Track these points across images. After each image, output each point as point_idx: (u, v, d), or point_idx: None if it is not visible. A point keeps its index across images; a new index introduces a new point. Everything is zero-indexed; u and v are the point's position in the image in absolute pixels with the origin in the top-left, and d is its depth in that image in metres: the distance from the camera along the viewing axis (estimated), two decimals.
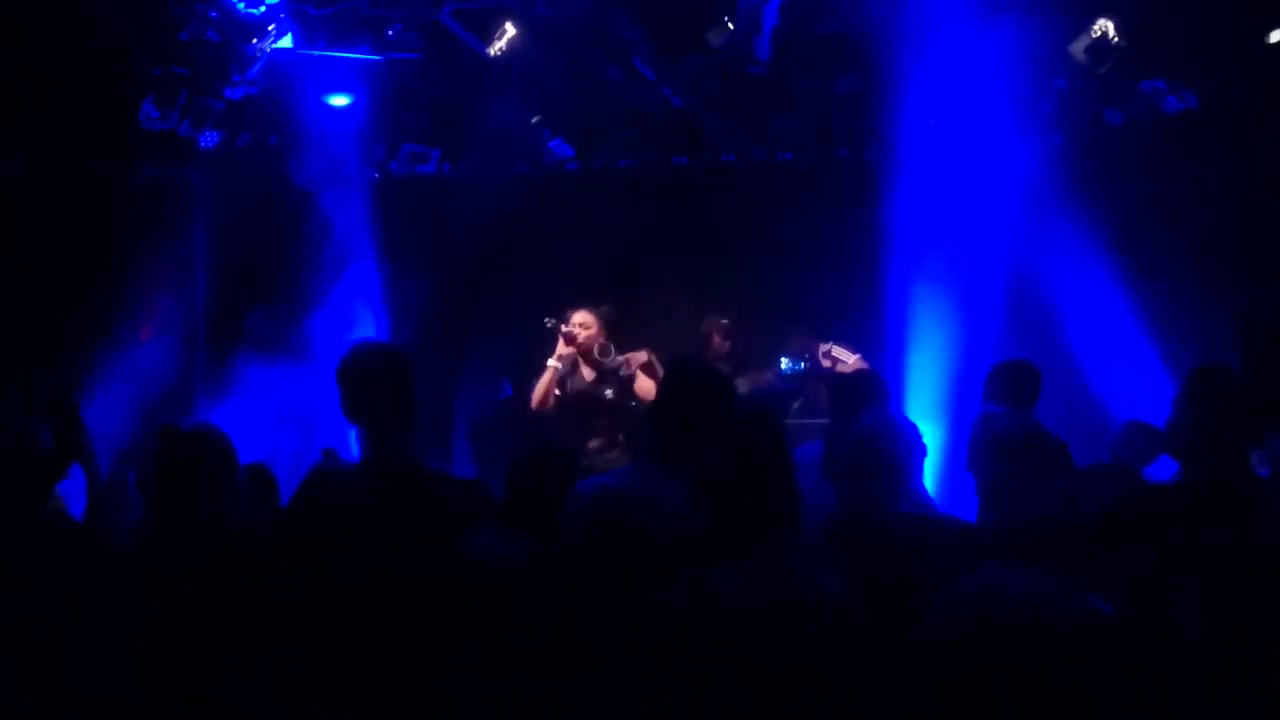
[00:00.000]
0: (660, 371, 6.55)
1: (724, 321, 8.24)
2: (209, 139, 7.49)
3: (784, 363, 6.91)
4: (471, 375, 8.47)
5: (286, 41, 6.58)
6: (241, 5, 6.10)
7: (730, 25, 6.67)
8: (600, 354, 6.69)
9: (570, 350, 6.68)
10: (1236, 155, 7.22)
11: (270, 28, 6.43)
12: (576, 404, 6.69)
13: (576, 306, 6.92)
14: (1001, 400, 5.14)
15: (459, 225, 8.02)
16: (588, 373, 6.73)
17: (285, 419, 7.06)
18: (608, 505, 2.71)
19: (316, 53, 6.83)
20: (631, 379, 6.70)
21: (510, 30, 6.69)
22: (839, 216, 7.60)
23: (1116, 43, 6.44)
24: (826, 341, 7.27)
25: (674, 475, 2.97)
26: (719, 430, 2.68)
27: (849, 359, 6.95)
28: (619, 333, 7.04)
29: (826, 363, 6.68)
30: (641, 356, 6.72)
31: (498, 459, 6.10)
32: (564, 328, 6.72)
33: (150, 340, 7.43)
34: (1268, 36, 6.49)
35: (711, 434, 2.76)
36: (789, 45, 6.92)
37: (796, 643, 2.33)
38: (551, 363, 6.70)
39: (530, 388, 7.00)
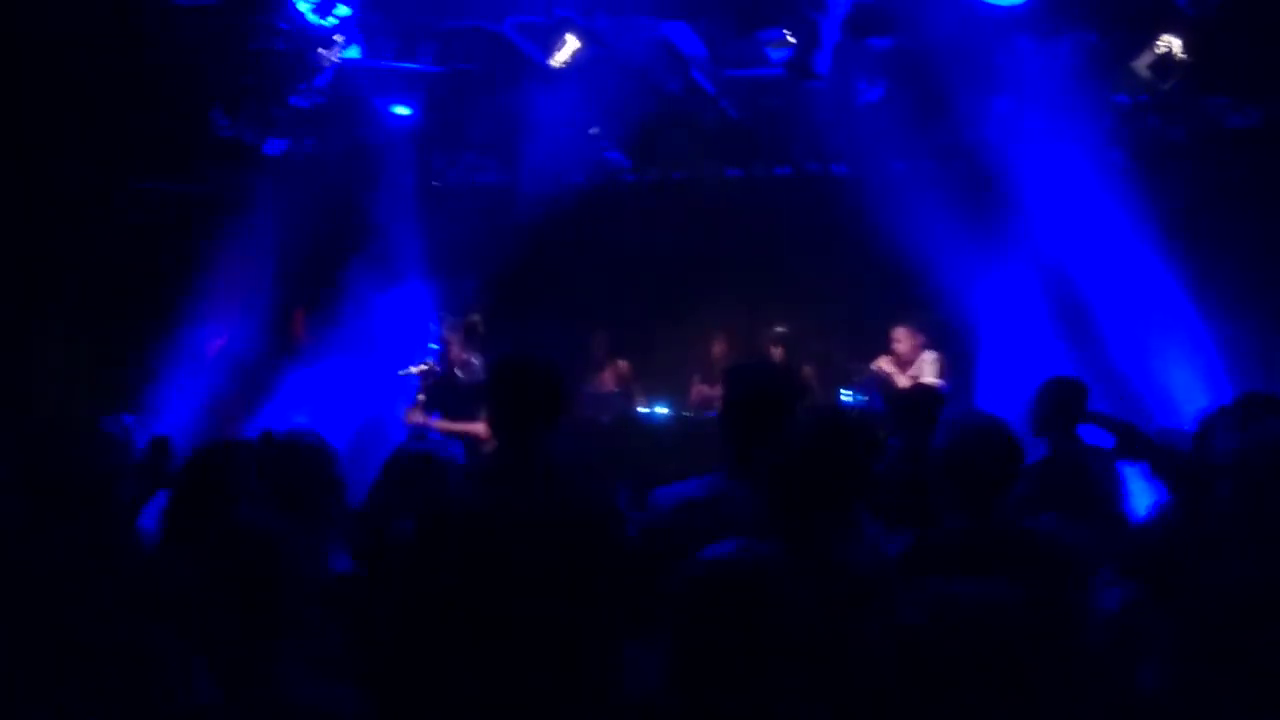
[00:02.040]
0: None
1: (779, 330, 8.26)
2: (275, 147, 7.61)
3: (846, 394, 6.82)
4: None
5: (354, 52, 6.70)
6: (313, 17, 6.22)
7: (790, 39, 6.69)
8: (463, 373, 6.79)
9: None
10: None
11: (338, 38, 6.54)
12: None
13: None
14: (1050, 420, 5.11)
15: (516, 233, 8.11)
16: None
17: (344, 419, 7.19)
18: (683, 515, 2.76)
19: (383, 63, 6.94)
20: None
21: (571, 43, 6.76)
22: (894, 229, 7.58)
23: (1180, 59, 6.38)
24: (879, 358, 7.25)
25: (747, 484, 3.01)
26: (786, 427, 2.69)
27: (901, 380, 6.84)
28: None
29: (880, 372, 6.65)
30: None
31: None
32: None
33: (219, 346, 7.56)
34: None
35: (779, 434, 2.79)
36: (848, 59, 6.93)
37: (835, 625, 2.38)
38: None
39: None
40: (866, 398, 6.60)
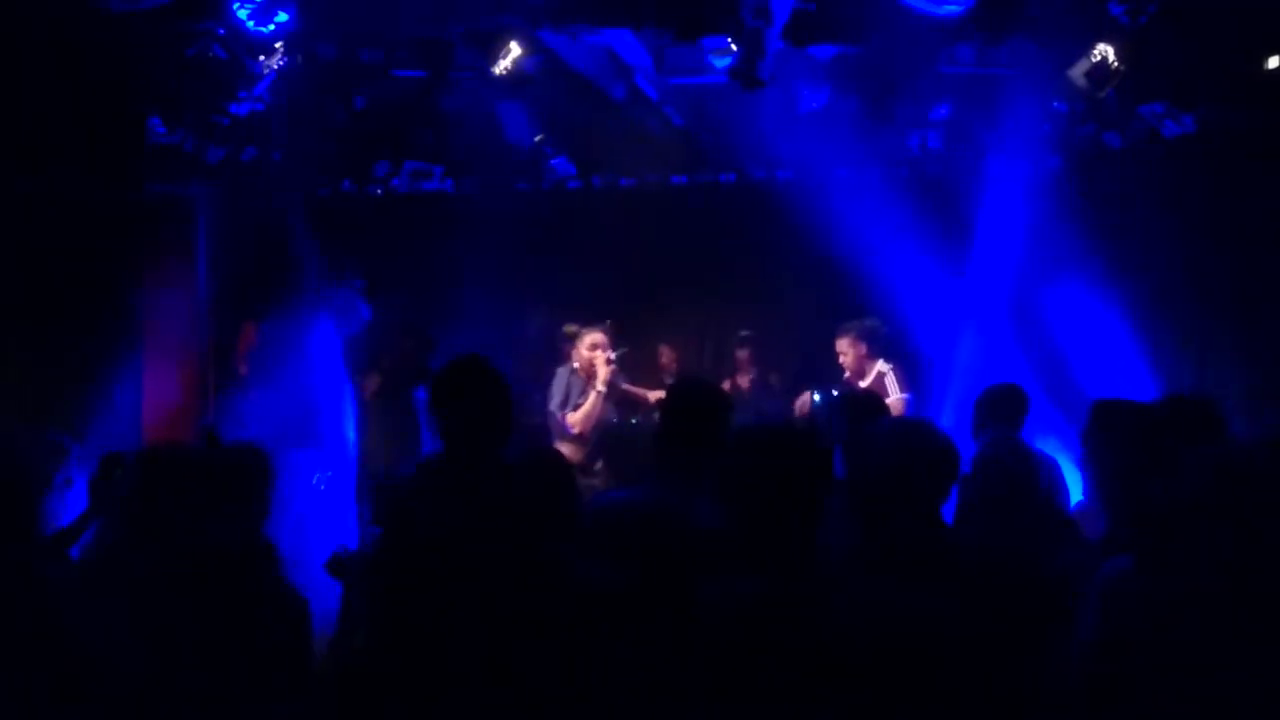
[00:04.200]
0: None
1: (744, 334, 8.27)
2: (214, 154, 7.51)
3: (815, 396, 6.63)
4: None
5: (294, 58, 6.62)
6: (250, 23, 6.14)
7: (734, 47, 6.72)
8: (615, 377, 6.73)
9: (609, 371, 6.58)
10: (1234, 179, 7.31)
11: (277, 45, 6.47)
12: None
13: (580, 321, 6.95)
14: (993, 424, 5.19)
15: (460, 242, 8.06)
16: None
17: (288, 433, 7.10)
18: (631, 519, 2.74)
19: (323, 69, 6.88)
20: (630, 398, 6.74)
21: (515, 50, 6.74)
22: (838, 236, 7.66)
23: (1116, 68, 6.50)
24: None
25: (692, 490, 3.03)
26: (744, 446, 2.68)
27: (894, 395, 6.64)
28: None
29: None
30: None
31: None
32: (608, 354, 6.62)
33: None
34: (1265, 63, 6.56)
35: (729, 448, 2.78)
36: (792, 67, 6.98)
37: (821, 647, 2.38)
38: (600, 388, 6.55)
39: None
40: (837, 394, 6.43)
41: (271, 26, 6.25)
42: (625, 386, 6.95)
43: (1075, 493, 5.16)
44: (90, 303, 7.47)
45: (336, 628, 3.38)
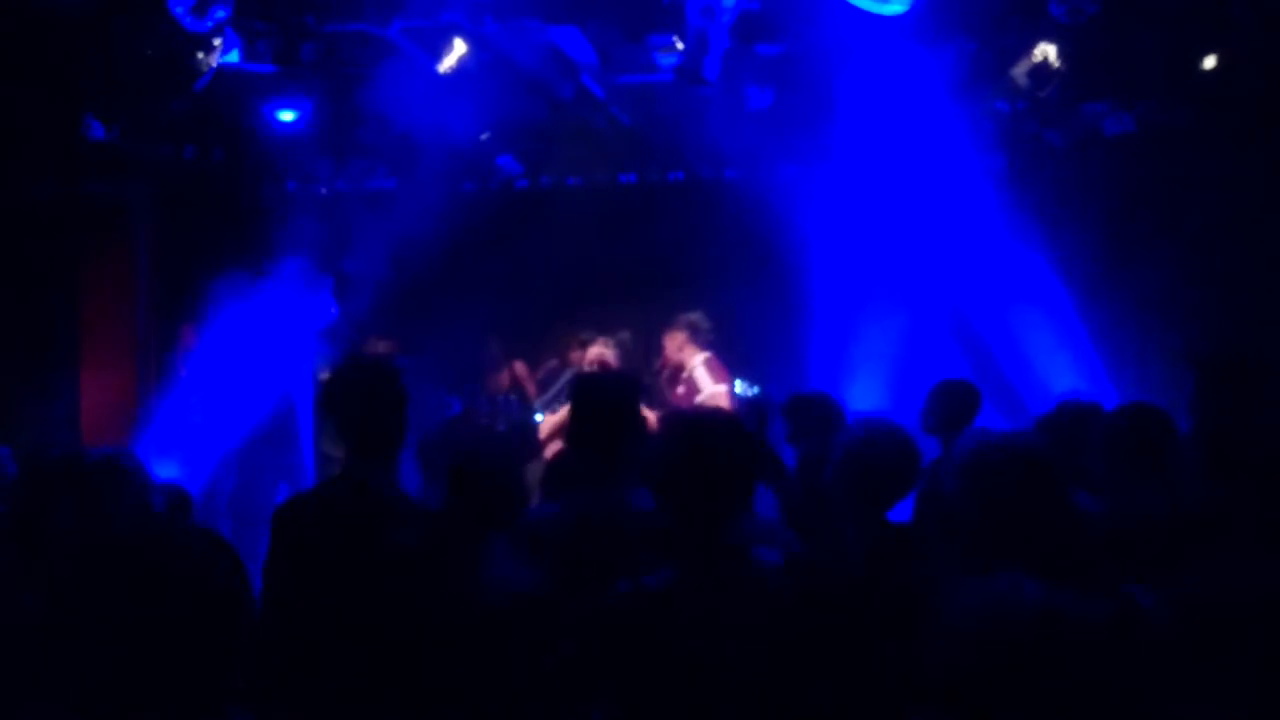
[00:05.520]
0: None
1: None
2: (153, 153, 7.38)
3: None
4: (418, 392, 8.42)
5: (233, 56, 6.51)
6: (188, 19, 6.02)
7: (679, 45, 6.71)
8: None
9: None
10: (1173, 176, 7.42)
11: (216, 42, 6.35)
12: None
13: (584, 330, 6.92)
14: (939, 420, 5.21)
15: (406, 241, 7.99)
16: None
17: (230, 431, 7.02)
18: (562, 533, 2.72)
19: (263, 67, 6.77)
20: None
21: (460, 47, 6.68)
22: (786, 234, 7.67)
23: (1057, 67, 6.56)
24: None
25: (613, 491, 2.98)
26: (668, 435, 2.63)
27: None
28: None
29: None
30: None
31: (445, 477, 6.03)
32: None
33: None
34: (1202, 62, 6.65)
35: (653, 440, 2.75)
36: (737, 65, 6.98)
37: (752, 639, 2.36)
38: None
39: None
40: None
41: (210, 24, 6.13)
42: None
43: None
44: (26, 304, 7.32)
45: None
